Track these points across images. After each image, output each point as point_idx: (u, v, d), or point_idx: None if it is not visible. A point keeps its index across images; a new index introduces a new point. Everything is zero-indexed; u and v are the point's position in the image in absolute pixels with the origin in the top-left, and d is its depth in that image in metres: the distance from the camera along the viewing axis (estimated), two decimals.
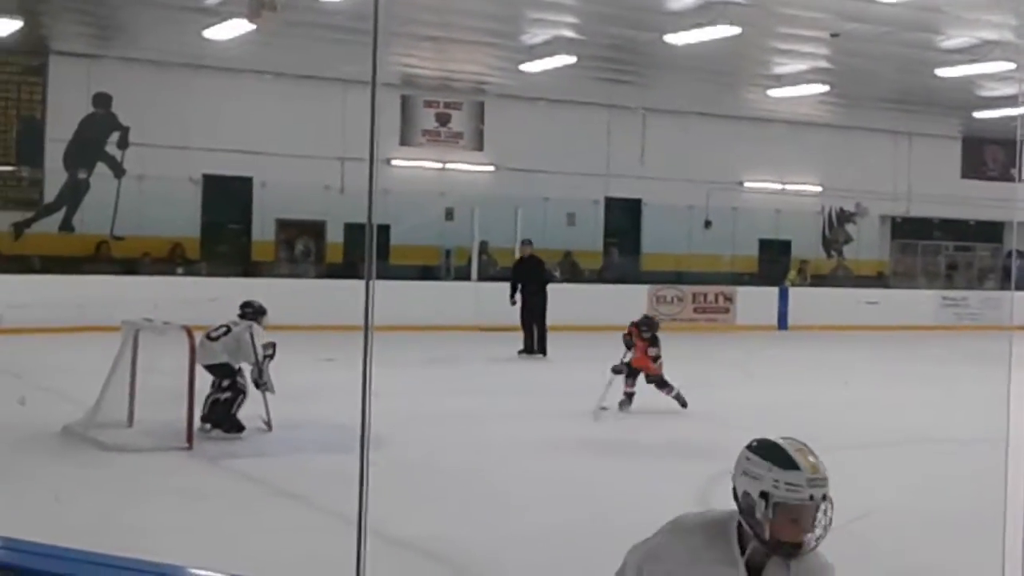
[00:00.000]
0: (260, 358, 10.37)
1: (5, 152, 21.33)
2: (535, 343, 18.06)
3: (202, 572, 3.04)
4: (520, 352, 17.98)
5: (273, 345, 10.53)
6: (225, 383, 10.33)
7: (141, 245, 21.42)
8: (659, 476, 9.17)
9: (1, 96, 21.17)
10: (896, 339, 22.88)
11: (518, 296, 18.21)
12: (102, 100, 21.68)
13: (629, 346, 12.32)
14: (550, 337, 18.16)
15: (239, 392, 10.33)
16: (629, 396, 12.40)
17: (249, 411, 10.43)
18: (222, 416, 10.23)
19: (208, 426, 10.24)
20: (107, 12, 18.56)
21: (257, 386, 10.41)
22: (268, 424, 10.46)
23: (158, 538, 6.73)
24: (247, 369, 10.43)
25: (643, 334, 12.34)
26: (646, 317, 13.06)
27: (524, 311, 18.17)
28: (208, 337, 10.41)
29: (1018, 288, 21.39)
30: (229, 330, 10.48)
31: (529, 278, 18.34)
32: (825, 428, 11.53)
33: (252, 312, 10.81)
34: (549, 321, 18.18)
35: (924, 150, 29.00)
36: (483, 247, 23.20)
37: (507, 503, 8.24)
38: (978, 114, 25.31)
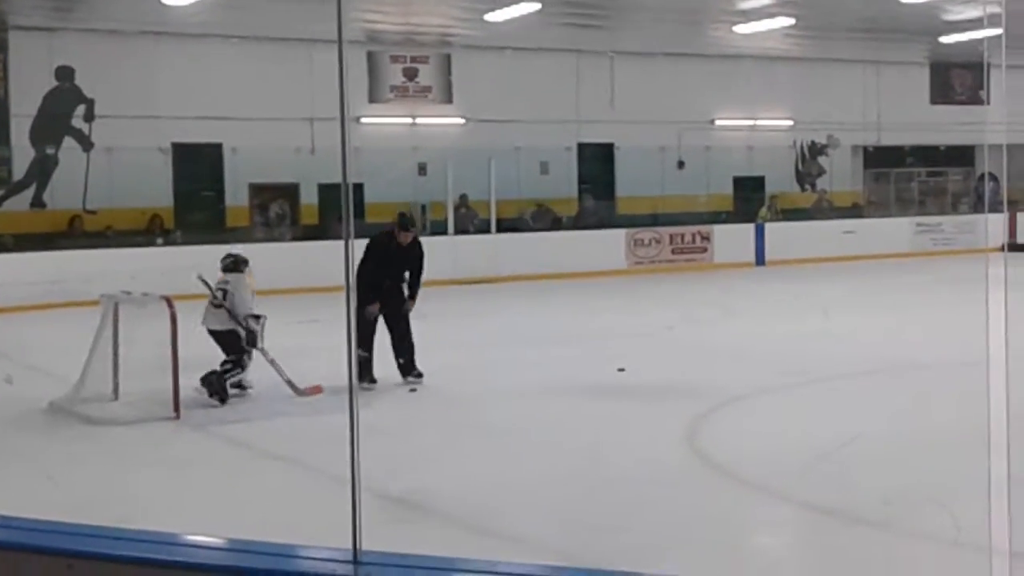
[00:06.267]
0: (246, 315, 10.22)
1: None
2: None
3: (197, 538, 3.06)
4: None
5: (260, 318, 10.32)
6: (231, 357, 10.14)
7: (114, 217, 21.28)
8: (647, 418, 9.22)
9: None
10: (873, 268, 23.00)
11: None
12: (65, 73, 21.43)
13: None
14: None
15: (238, 365, 10.23)
16: None
17: (268, 380, 10.33)
18: (214, 382, 10.12)
19: (204, 390, 10.11)
20: None
21: (252, 345, 10.17)
22: (294, 388, 10.15)
23: (151, 508, 6.76)
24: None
25: None
26: None
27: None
28: (212, 304, 10.27)
29: (991, 211, 21.47)
30: (225, 293, 10.26)
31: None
32: (809, 359, 11.70)
33: (234, 263, 10.57)
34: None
35: (892, 78, 28.97)
36: (463, 200, 23.16)
37: (497, 451, 8.29)
38: (944, 39, 25.27)
